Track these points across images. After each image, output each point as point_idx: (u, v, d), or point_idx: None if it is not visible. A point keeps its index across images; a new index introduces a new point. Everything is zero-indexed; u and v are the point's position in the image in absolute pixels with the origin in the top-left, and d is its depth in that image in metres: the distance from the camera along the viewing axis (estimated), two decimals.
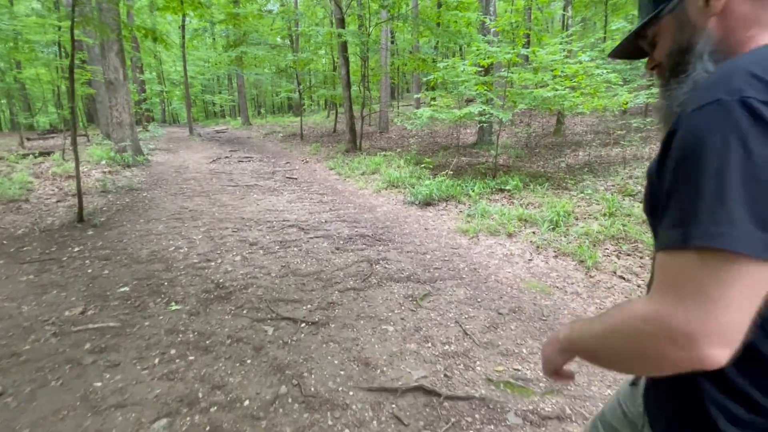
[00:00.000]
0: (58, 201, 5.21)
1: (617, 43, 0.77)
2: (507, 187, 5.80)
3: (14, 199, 5.10)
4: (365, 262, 3.48)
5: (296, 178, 7.55)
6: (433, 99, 8.28)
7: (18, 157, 8.34)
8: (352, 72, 17.99)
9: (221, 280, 3.06)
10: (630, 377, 0.82)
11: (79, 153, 9.82)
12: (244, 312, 2.61)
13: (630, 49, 0.73)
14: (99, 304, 2.65)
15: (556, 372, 0.73)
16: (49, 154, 8.76)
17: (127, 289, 2.88)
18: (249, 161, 9.45)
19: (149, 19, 23.47)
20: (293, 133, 15.04)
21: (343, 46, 10.00)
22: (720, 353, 0.42)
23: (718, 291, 0.42)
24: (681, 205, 0.46)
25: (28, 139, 13.09)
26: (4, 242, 3.76)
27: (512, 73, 6.38)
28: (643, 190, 0.68)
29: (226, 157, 9.98)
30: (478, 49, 6.07)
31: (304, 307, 2.69)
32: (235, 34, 15.59)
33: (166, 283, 2.98)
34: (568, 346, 0.66)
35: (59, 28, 11.09)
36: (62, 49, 12.08)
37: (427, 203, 5.47)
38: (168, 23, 26.13)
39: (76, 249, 3.62)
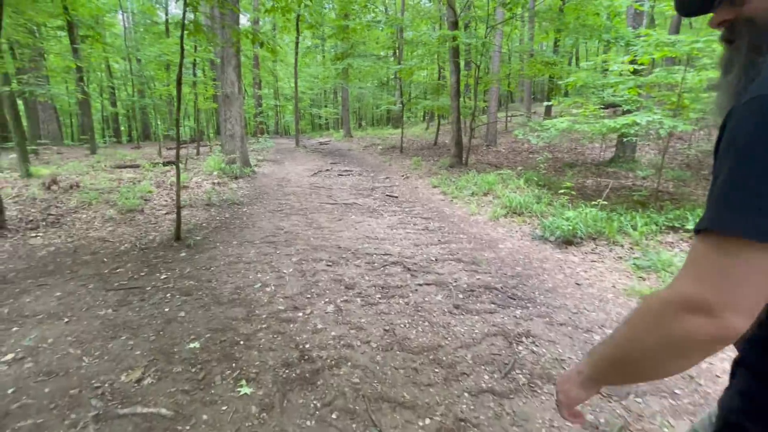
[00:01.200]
0: (167, 213, 5.22)
1: None
2: (687, 226, 4.14)
3: (132, 209, 5.24)
4: (500, 337, 2.41)
5: (397, 197, 6.79)
6: (569, 106, 6.82)
7: (152, 165, 9.23)
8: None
9: (308, 346, 2.30)
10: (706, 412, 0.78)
11: (197, 163, 10.71)
12: (333, 416, 1.77)
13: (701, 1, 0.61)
14: (161, 368, 2.08)
15: (574, 410, 0.69)
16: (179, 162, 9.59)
17: (197, 345, 2.29)
18: (349, 175, 9.07)
19: (272, 40, 25.85)
20: (392, 145, 14.60)
21: (455, 52, 9.07)
22: (738, 321, 0.45)
23: (730, 270, 0.45)
24: (716, 191, 0.48)
25: (168, 149, 15.03)
26: (105, 260, 3.62)
27: (693, 69, 4.71)
28: None
29: (327, 170, 9.80)
30: (647, 39, 4.55)
31: (420, 422, 1.74)
32: (343, 47, 15.88)
33: (242, 342, 2.32)
34: (592, 372, 0.63)
35: (195, 48, 12.44)
36: (200, 69, 13.53)
37: (567, 242, 4.14)
38: (285, 44, 28.69)
39: (163, 276, 3.27)
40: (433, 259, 3.72)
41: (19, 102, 15.88)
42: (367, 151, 14.31)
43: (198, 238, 4.23)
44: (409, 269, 3.47)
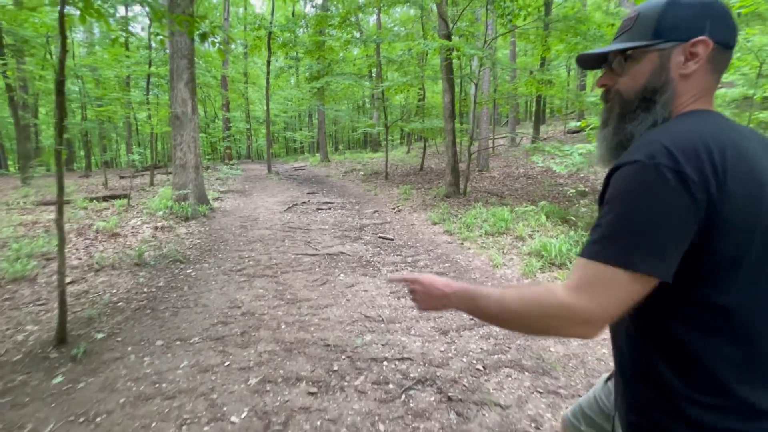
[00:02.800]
0: (71, 282, 3.61)
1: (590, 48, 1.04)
2: None
3: (19, 278, 3.60)
4: None
5: (392, 239, 5.42)
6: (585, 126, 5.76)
7: (86, 201, 7.50)
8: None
9: None
10: (605, 375, 1.01)
11: (147, 197, 9.01)
12: None
13: (595, 60, 0.78)
14: None
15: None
16: (120, 197, 7.86)
17: None
18: (330, 209, 7.64)
19: (242, 65, 24.60)
20: (375, 171, 13.35)
21: (448, 68, 8.02)
22: (605, 327, 0.63)
23: (612, 292, 0.60)
24: (601, 228, 0.63)
25: (121, 177, 13.16)
26: None
27: None
28: None
29: (304, 202, 8.34)
30: None
31: None
32: (318, 66, 14.73)
33: None
34: (460, 305, 0.77)
35: (150, 63, 10.89)
36: (155, 86, 11.93)
37: None
38: (258, 66, 27.46)
39: None
40: (480, 367, 2.33)
41: None
42: (348, 178, 12.97)
43: (99, 336, 2.66)
44: (448, 396, 2.05)
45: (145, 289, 3.52)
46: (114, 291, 3.46)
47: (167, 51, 7.77)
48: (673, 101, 0.68)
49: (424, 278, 0.83)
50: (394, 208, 7.68)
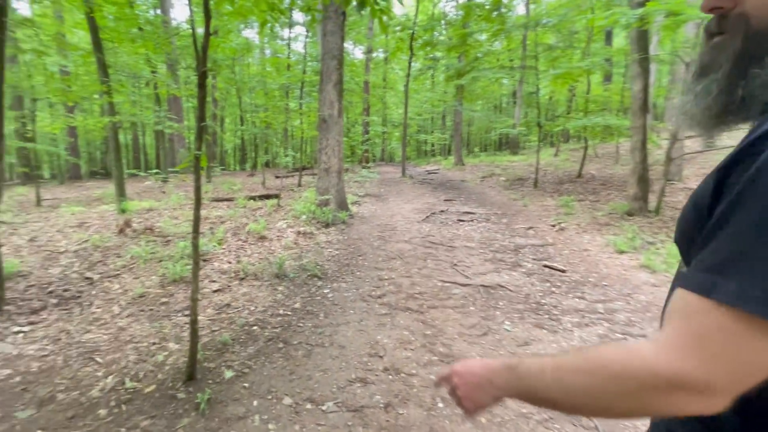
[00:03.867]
0: (216, 291, 3.51)
1: None
2: None
3: (178, 279, 3.68)
4: None
5: (564, 271, 4.12)
6: None
7: (246, 199, 8.22)
8: (614, 93, 13.40)
9: None
10: None
11: (294, 197, 9.52)
12: None
13: None
14: None
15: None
16: (275, 197, 8.42)
17: None
18: (472, 221, 6.63)
19: (382, 71, 25.53)
20: (519, 177, 11.71)
21: (642, 45, 6.09)
22: (727, 402, 0.40)
23: (751, 355, 0.38)
24: (733, 250, 0.39)
25: (277, 177, 14.76)
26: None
27: None
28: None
29: (441, 210, 7.53)
30: None
31: None
32: (458, 65, 13.80)
33: None
34: (513, 393, 0.55)
35: (304, 71, 11.74)
36: (308, 95, 12.89)
37: None
38: (395, 72, 28.18)
39: None
40: None
41: (137, 134, 17.39)
42: (487, 184, 11.68)
43: (227, 374, 2.27)
44: None
45: (281, 311, 3.14)
46: (252, 308, 3.19)
47: (319, 50, 7.95)
48: None
49: (458, 367, 0.64)
50: (554, 225, 6.20)
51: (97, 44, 6.53)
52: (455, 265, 4.29)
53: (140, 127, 20.62)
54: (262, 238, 5.09)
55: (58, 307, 3.18)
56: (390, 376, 2.26)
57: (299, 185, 10.94)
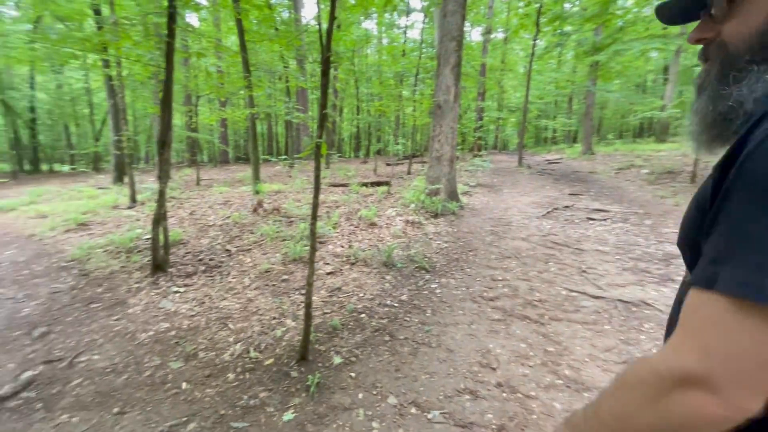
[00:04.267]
0: (330, 273, 3.66)
1: None
2: None
3: (297, 259, 3.96)
4: None
5: None
6: None
7: (358, 186, 8.58)
8: None
9: None
10: None
11: (404, 185, 9.56)
12: None
13: (683, 11, 0.59)
14: None
15: None
16: (386, 184, 8.62)
17: None
18: (605, 220, 5.69)
19: (500, 52, 23.87)
20: (668, 170, 9.68)
21: None
22: (752, 403, 0.38)
23: (743, 343, 0.38)
24: (727, 239, 0.41)
25: (387, 164, 15.18)
26: (173, 387, 2.11)
27: None
28: None
29: (566, 206, 6.65)
30: None
31: None
32: (594, 39, 11.92)
33: None
34: None
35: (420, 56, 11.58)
36: (417, 78, 12.76)
37: None
38: (515, 52, 26.01)
39: None
40: None
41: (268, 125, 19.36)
42: (624, 177, 9.96)
43: (336, 360, 2.30)
44: None
45: (388, 301, 3.11)
46: (360, 295, 3.23)
47: (436, 36, 7.68)
48: None
49: None
50: None
51: (243, 45, 7.43)
52: (584, 272, 3.68)
53: (274, 118, 23.38)
54: (373, 224, 5.18)
55: (205, 273, 3.72)
56: (504, 394, 2.00)
57: (409, 173, 10.99)
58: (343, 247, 4.38)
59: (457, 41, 5.84)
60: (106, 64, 7.98)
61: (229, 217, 5.65)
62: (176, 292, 3.32)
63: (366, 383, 2.10)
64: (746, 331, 0.37)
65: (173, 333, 2.68)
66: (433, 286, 3.41)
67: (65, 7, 9.14)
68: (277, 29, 9.26)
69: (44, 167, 19.51)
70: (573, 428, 0.54)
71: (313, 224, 2.12)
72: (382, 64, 13.12)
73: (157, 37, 5.40)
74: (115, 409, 1.93)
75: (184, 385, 2.11)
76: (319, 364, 2.25)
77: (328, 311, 2.93)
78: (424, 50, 15.59)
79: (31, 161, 18.97)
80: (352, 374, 2.18)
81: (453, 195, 6.28)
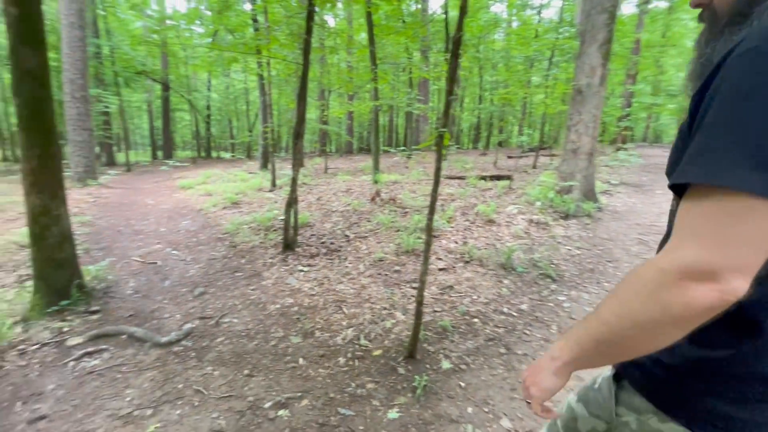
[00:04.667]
0: (442, 268, 3.51)
1: None
2: None
3: (410, 251, 3.93)
4: None
5: None
6: None
7: (477, 179, 8.18)
8: None
9: None
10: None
11: (527, 180, 8.69)
12: None
13: None
14: None
15: (546, 405, 0.65)
16: (507, 178, 8.04)
17: None
18: None
19: (661, 24, 19.83)
20: None
21: None
22: (742, 283, 0.42)
23: (739, 229, 0.41)
24: (700, 141, 0.46)
25: (509, 157, 14.19)
26: (292, 361, 2.24)
27: None
28: None
29: None
30: None
31: None
32: None
33: None
34: (572, 355, 0.58)
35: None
36: (551, 60, 11.43)
37: None
38: (684, 22, 21.22)
39: None
40: None
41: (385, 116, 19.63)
42: None
43: (444, 365, 2.15)
44: None
45: (505, 309, 2.82)
46: (474, 297, 3.01)
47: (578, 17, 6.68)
48: None
49: (527, 372, 0.67)
50: None
51: (371, 39, 7.71)
52: None
53: (395, 110, 24.10)
54: (490, 221, 4.84)
55: (326, 256, 3.98)
56: None
57: (534, 167, 10.02)
58: (457, 243, 4.19)
59: (608, 13, 4.94)
60: (259, 65, 9.23)
61: (349, 205, 5.98)
62: (301, 270, 3.63)
63: (476, 397, 1.92)
64: (734, 216, 0.41)
65: (295, 309, 2.91)
66: (560, 298, 2.97)
67: (233, 20, 10.89)
68: (403, 21, 9.38)
69: (213, 154, 23.99)
70: (569, 335, 0.59)
71: (430, 219, 2.00)
72: (511, 48, 12.17)
73: (298, 37, 5.98)
74: (246, 371, 2.16)
75: (300, 361, 2.25)
76: (427, 366, 2.15)
77: (439, 310, 2.81)
78: (562, 30, 13.91)
79: (205, 149, 23.53)
80: (462, 384, 2.01)
81: (590, 194, 5.44)
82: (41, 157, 2.69)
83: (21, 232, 4.20)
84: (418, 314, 2.11)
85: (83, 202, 7.38)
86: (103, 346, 2.44)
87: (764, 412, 0.51)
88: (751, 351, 0.51)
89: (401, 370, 2.12)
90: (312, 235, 4.70)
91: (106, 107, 15.31)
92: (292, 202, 3.95)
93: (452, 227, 4.69)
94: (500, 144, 20.86)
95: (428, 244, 2.03)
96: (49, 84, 2.74)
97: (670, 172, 0.55)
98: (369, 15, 7.31)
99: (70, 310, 2.83)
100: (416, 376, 2.02)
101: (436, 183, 1.94)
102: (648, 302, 0.46)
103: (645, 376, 0.61)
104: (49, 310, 2.76)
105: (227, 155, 22.89)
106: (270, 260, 3.93)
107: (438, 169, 1.91)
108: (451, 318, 2.67)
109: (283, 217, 5.29)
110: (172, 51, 19.46)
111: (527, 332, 2.50)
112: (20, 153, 2.71)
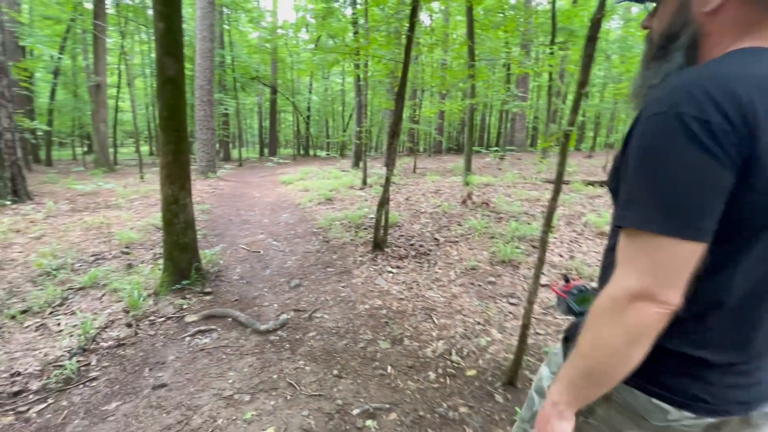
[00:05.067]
0: (545, 284, 3.13)
1: None
2: None
3: (507, 261, 3.61)
4: None
5: None
6: None
7: (584, 184, 7.33)
8: None
9: None
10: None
11: None
12: None
13: None
14: None
15: None
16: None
17: None
18: None
19: None
20: None
21: None
22: (676, 297, 0.54)
23: (664, 261, 0.53)
24: (629, 191, 0.57)
25: None
26: (381, 369, 2.16)
27: None
28: None
29: None
30: None
31: None
32: None
33: None
34: (568, 395, 0.64)
35: None
36: None
37: None
38: None
39: None
40: None
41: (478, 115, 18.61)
42: None
43: None
44: None
45: None
46: None
47: None
48: (703, 44, 0.62)
49: (538, 426, 0.69)
50: None
51: (471, 34, 7.39)
52: None
53: (488, 108, 23.07)
54: (603, 234, 4.23)
55: (415, 259, 3.88)
56: None
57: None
58: (562, 256, 3.73)
59: None
60: (357, 66, 9.53)
61: (439, 206, 5.80)
62: (389, 272, 3.58)
63: None
64: (656, 250, 0.54)
65: (384, 312, 2.85)
66: None
67: (335, 26, 11.46)
68: (503, 14, 8.82)
69: (311, 152, 25.78)
70: (561, 377, 0.66)
71: (545, 233, 1.74)
72: (631, 36, 10.68)
73: (396, 38, 5.97)
74: (335, 371, 2.15)
75: (389, 369, 2.17)
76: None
77: (542, 332, 2.49)
78: None
79: (303, 147, 25.42)
80: None
81: None
82: (174, 152, 3.06)
83: (157, 216, 4.92)
84: (523, 338, 1.87)
85: (204, 192, 8.46)
86: (213, 327, 2.67)
87: (681, 378, 0.62)
88: (677, 329, 0.59)
89: (499, 398, 1.89)
90: (401, 235, 4.64)
91: (226, 109, 17.40)
92: (384, 202, 3.93)
93: (555, 237, 4.21)
94: (610, 146, 18.52)
95: (541, 261, 1.77)
96: (184, 90, 3.10)
97: (611, 190, 0.68)
98: (469, 9, 7.00)
99: (189, 289, 3.18)
100: (517, 408, 1.78)
101: (557, 190, 1.67)
102: (612, 327, 0.56)
103: (569, 330, 0.79)
104: (173, 288, 3.14)
105: (323, 153, 24.38)
106: (360, 258, 3.97)
107: (561, 174, 1.64)
108: (556, 344, 2.34)
109: (372, 216, 5.32)
110: (280, 57, 21.36)
111: None
112: (158, 149, 3.13)
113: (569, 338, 0.80)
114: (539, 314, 2.72)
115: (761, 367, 0.63)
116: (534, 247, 4.00)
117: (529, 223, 4.63)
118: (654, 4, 0.69)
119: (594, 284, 0.88)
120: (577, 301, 0.88)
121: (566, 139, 1.54)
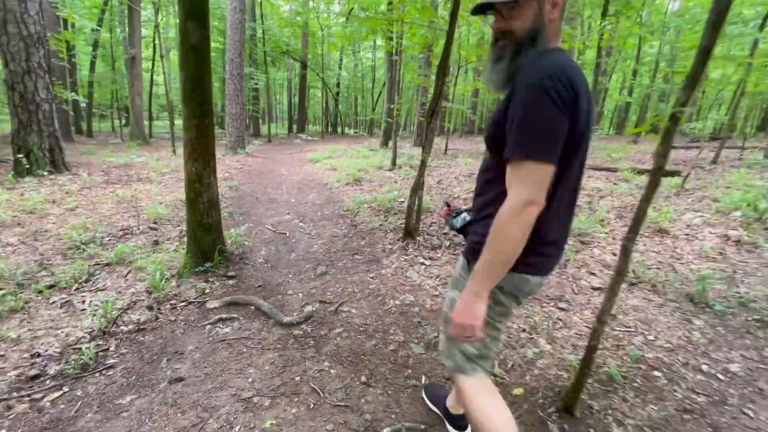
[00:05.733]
0: (595, 288, 2.78)
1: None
2: None
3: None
4: None
5: None
6: None
7: (632, 173, 6.69)
8: None
9: None
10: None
11: (707, 180, 6.69)
12: None
13: (481, 8, 1.04)
14: None
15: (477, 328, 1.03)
16: (675, 174, 6.36)
17: None
18: None
19: None
20: None
21: None
22: (543, 199, 0.91)
23: (540, 179, 0.89)
24: (515, 135, 0.90)
25: (673, 147, 11.47)
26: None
27: None
28: None
29: None
30: None
31: None
32: None
33: None
34: (486, 282, 0.98)
35: None
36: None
37: None
38: None
39: None
40: None
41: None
42: None
43: None
44: None
45: (704, 366, 2.01)
46: (649, 337, 2.26)
47: None
48: (544, 39, 0.98)
49: (457, 316, 1.04)
50: None
51: None
52: None
53: None
54: (662, 231, 3.77)
55: (449, 249, 3.59)
56: None
57: (714, 162, 7.80)
58: (615, 255, 3.33)
59: None
60: (390, 39, 9.02)
61: (471, 191, 5.43)
62: (422, 264, 3.32)
63: None
64: (536, 171, 0.89)
65: (416, 310, 2.61)
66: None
67: None
68: None
69: (339, 130, 25.48)
70: (476, 274, 0.99)
71: (628, 239, 1.41)
72: (696, 5, 9.53)
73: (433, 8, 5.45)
74: (363, 377, 1.94)
75: (423, 380, 1.93)
76: (591, 430, 1.60)
77: (599, 347, 2.17)
78: None
79: (332, 124, 25.12)
80: None
81: None
82: (198, 127, 2.86)
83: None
84: (587, 362, 1.57)
85: (233, 168, 8.40)
86: (234, 315, 2.51)
87: (535, 257, 1.03)
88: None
89: (554, 429, 1.62)
90: (433, 222, 4.34)
91: (256, 84, 17.24)
92: (418, 186, 3.63)
93: (606, 233, 3.79)
94: (654, 131, 17.13)
95: (620, 273, 1.45)
96: (209, 59, 2.87)
97: (488, 138, 1.05)
98: None
99: (212, 272, 3.05)
100: None
101: (653, 187, 1.33)
102: (513, 225, 0.91)
103: (471, 252, 1.10)
104: (196, 270, 3.02)
105: (351, 131, 24.03)
106: (389, 246, 3.72)
107: (661, 167, 1.29)
108: (618, 363, 2.02)
109: (403, 200, 5.03)
110: (311, 31, 20.87)
111: (747, 412, 1.71)
112: (182, 123, 2.93)
113: (469, 260, 1.12)
114: (593, 321, 2.39)
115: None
116: (583, 243, 3.61)
117: (575, 216, 4.21)
118: (510, 9, 0.98)
119: (465, 207, 1.26)
120: (454, 220, 1.22)
121: (675, 122, 1.19)
